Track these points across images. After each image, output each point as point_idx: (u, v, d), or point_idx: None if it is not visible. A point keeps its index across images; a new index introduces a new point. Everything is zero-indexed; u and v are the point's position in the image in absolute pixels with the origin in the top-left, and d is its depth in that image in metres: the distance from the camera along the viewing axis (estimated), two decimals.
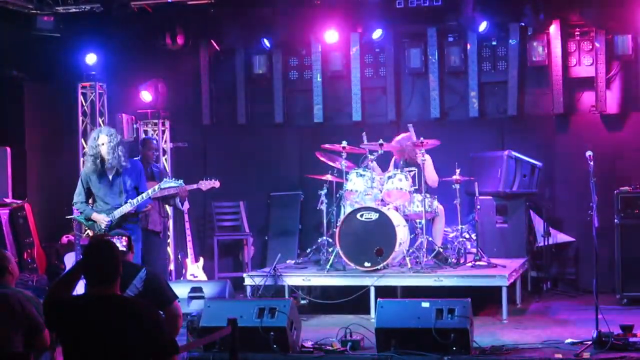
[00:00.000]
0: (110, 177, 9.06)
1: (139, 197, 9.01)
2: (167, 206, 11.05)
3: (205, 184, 10.58)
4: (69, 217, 9.43)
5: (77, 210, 9.27)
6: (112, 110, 12.92)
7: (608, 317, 8.02)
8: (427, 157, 10.54)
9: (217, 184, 10.58)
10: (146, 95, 12.72)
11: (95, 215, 9.01)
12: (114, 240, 6.10)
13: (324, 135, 11.66)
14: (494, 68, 12.29)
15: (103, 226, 8.93)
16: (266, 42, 12.40)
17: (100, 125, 12.84)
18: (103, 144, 8.99)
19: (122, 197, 9.02)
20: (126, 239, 6.40)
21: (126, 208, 8.95)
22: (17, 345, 5.43)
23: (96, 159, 9.04)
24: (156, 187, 9.14)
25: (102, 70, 12.76)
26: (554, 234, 11.52)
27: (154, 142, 11.18)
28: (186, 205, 11.02)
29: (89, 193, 9.18)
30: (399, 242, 9.85)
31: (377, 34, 12.14)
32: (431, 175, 10.65)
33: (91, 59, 12.51)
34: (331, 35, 12.17)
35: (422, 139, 10.46)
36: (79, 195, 9.22)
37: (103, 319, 4.60)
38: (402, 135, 10.97)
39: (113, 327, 4.59)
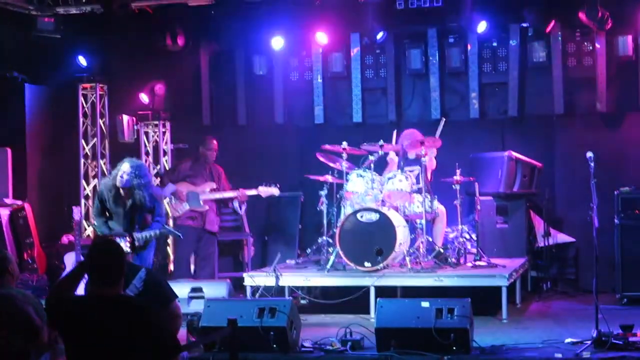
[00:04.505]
0: (128, 204, 8.90)
1: (143, 235, 8.77)
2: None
3: (264, 191, 10.63)
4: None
5: (78, 204, 9.26)
6: (112, 111, 12.95)
7: (608, 316, 8.00)
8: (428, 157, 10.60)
9: (276, 191, 10.62)
10: (144, 97, 12.77)
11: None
12: (118, 240, 6.12)
13: (325, 136, 11.67)
14: (495, 69, 12.29)
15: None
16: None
17: (101, 127, 12.88)
18: (123, 172, 8.76)
19: (134, 224, 8.89)
20: (130, 239, 6.41)
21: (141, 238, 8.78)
22: (16, 346, 5.42)
23: (111, 181, 8.93)
24: (158, 231, 8.95)
25: (103, 71, 12.79)
26: (554, 234, 11.52)
27: (215, 142, 11.20)
28: (244, 208, 11.09)
29: (103, 207, 9.04)
30: (399, 243, 9.84)
31: (378, 35, 12.13)
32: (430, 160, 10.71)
33: (82, 61, 12.54)
34: (331, 37, 12.18)
35: (422, 138, 10.51)
36: (96, 214, 9.11)
37: (106, 319, 4.62)
38: (405, 132, 10.95)
39: (116, 326, 4.60)
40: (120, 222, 8.92)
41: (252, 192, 10.80)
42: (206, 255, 11.14)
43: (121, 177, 8.80)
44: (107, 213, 9.04)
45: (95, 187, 12.67)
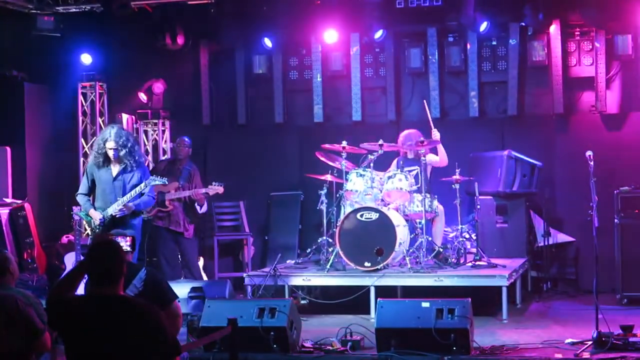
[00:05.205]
0: (115, 172, 9.08)
1: (128, 195, 9.01)
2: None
3: (212, 189, 10.67)
4: (75, 212, 9.44)
5: (78, 203, 9.35)
6: (112, 110, 12.95)
7: (608, 317, 8.01)
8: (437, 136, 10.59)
9: (220, 189, 10.65)
10: (142, 96, 12.79)
11: (92, 212, 9.13)
12: (118, 239, 6.10)
13: (324, 135, 11.67)
14: (494, 68, 12.30)
15: (97, 223, 9.01)
16: (268, 42, 12.41)
17: (100, 125, 12.87)
18: (110, 149, 9.02)
19: (121, 194, 9.07)
20: (130, 238, 6.40)
21: (115, 206, 8.96)
22: (16, 347, 5.41)
23: (99, 157, 9.07)
24: (142, 184, 9.13)
25: (102, 70, 12.79)
26: (554, 234, 11.52)
27: (186, 140, 11.24)
28: (204, 209, 11.07)
29: (92, 186, 9.22)
30: (399, 242, 9.85)
31: (377, 34, 12.12)
32: (442, 156, 10.67)
33: (86, 58, 12.54)
34: (331, 35, 12.18)
35: (422, 138, 10.51)
36: (82, 188, 9.36)
37: (106, 319, 4.60)
38: (405, 132, 10.95)
39: (116, 327, 4.59)
40: (107, 193, 9.05)
41: (203, 190, 10.80)
42: (187, 261, 11.12)
43: (114, 155, 9.02)
44: (93, 193, 9.25)
45: None
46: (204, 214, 11.41)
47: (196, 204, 10.92)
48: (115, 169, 9.10)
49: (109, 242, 5.00)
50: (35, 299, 5.78)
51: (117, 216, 9.02)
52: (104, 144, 9.06)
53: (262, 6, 12.06)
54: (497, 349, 7.79)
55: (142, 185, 9.11)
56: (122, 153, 9.03)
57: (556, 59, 11.81)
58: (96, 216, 9.07)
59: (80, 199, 9.31)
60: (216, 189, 10.70)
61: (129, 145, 9.08)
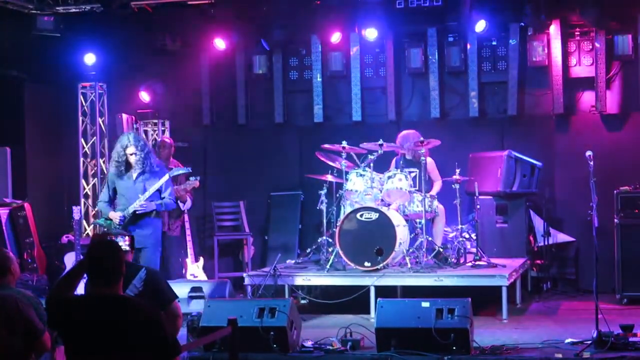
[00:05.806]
0: (135, 175, 9.06)
1: (149, 190, 8.97)
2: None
3: (189, 184, 10.66)
4: (95, 222, 9.39)
5: (78, 203, 9.32)
6: (112, 110, 12.94)
7: (608, 317, 8.02)
8: (429, 159, 10.58)
9: (196, 183, 10.63)
10: (144, 96, 12.78)
11: (111, 214, 9.05)
12: (117, 239, 6.10)
13: (324, 135, 11.67)
14: (494, 68, 12.30)
15: (117, 222, 8.95)
16: (265, 44, 12.42)
17: (100, 125, 12.86)
18: (132, 154, 9.01)
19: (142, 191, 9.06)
20: (129, 238, 6.39)
21: (136, 204, 8.94)
22: (16, 348, 5.41)
23: (120, 165, 9.05)
24: (166, 176, 9.13)
25: (102, 70, 12.79)
26: (554, 234, 11.52)
27: (167, 141, 11.24)
28: (187, 205, 11.03)
29: (114, 193, 9.20)
30: (398, 242, 9.85)
31: (372, 34, 12.05)
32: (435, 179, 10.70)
33: (90, 58, 12.54)
34: (332, 36, 12.18)
35: (421, 138, 10.51)
36: (102, 196, 9.32)
37: (105, 319, 4.60)
38: (403, 133, 10.96)
39: (115, 327, 4.58)
40: (129, 197, 9.02)
41: (182, 187, 10.78)
42: (166, 257, 11.09)
43: (136, 160, 9.01)
44: (114, 200, 9.23)
45: (94, 185, 12.70)
46: (190, 210, 11.39)
47: (179, 201, 10.90)
48: (134, 173, 9.09)
49: (108, 242, 5.00)
50: (36, 299, 5.78)
51: (138, 212, 8.99)
52: (124, 151, 9.04)
53: (262, 6, 12.06)
54: (497, 348, 7.78)
55: (166, 176, 9.11)
56: (141, 156, 9.01)
57: (556, 59, 11.81)
58: (116, 216, 9.01)
59: (100, 205, 9.28)
60: (192, 183, 10.68)
61: (147, 149, 9.13)
